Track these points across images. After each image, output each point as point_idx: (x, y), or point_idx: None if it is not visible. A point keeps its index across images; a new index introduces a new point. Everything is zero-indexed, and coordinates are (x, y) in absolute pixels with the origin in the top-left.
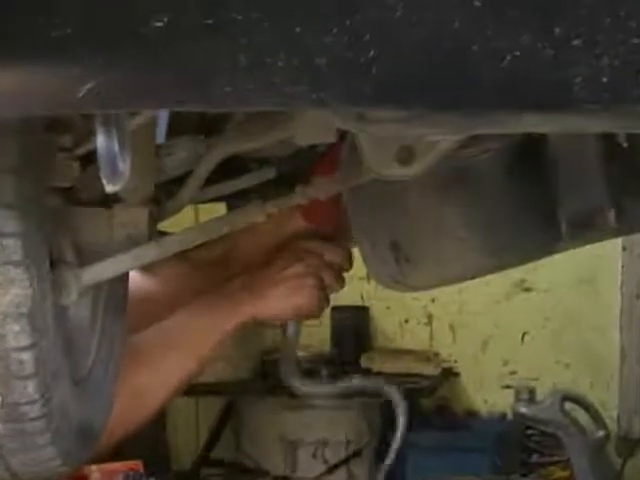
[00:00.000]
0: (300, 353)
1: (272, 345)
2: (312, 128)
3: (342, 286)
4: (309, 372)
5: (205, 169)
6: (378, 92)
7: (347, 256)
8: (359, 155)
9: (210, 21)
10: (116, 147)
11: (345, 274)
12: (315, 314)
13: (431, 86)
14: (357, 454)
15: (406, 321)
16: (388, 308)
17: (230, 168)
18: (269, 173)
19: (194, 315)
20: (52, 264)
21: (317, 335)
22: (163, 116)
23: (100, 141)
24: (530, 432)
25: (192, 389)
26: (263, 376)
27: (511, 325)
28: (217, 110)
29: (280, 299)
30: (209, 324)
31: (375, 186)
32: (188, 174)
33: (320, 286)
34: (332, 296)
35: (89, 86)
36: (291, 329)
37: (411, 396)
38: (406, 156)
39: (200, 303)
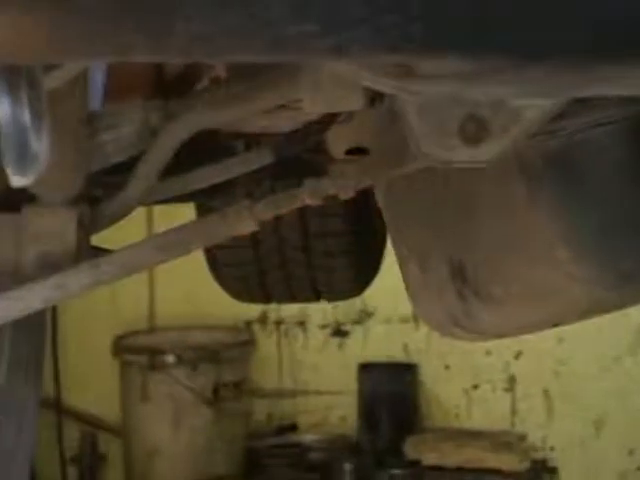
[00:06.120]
0: (310, 437)
1: (261, 424)
2: (328, 89)
3: None
4: (321, 466)
5: (164, 151)
6: (431, 34)
7: None
8: (402, 130)
9: None
10: (27, 118)
11: (380, 313)
12: None
13: (511, 25)
14: None
15: (475, 387)
16: (447, 368)
17: (203, 150)
18: (263, 158)
19: None
20: None
21: (338, 409)
22: (98, 72)
23: (4, 109)
24: None
25: None
26: (250, 472)
27: (638, 394)
28: (181, 61)
29: None
30: None
31: (427, 178)
32: (138, 159)
33: None
34: (358, 347)
35: None
36: None
37: None
38: (475, 131)
39: None
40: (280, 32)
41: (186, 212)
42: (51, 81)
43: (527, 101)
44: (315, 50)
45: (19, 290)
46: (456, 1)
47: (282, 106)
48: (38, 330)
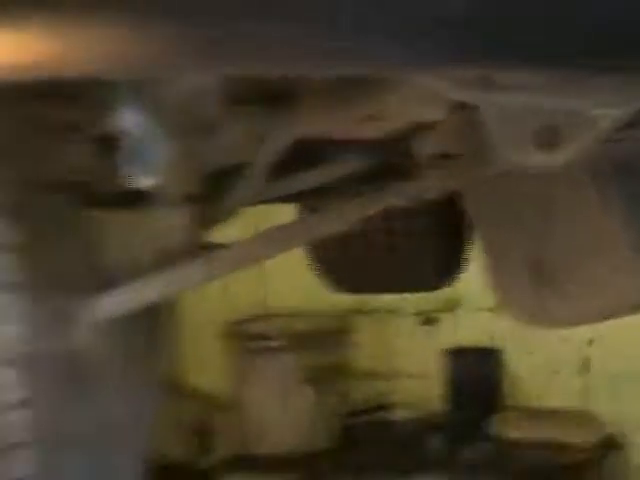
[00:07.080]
0: (401, 413)
1: (360, 402)
2: (414, 100)
3: None
4: (412, 441)
5: (269, 156)
6: (510, 46)
7: None
8: (483, 137)
9: None
10: (151, 126)
11: (466, 303)
12: None
13: (588, 36)
14: None
15: (553, 370)
16: (529, 353)
17: (300, 156)
18: (355, 163)
19: None
20: (56, 290)
21: (426, 388)
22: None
23: (131, 119)
24: None
25: (253, 463)
26: (347, 446)
27: None
28: (285, 74)
29: None
30: None
31: (507, 181)
32: (246, 163)
33: None
34: (448, 334)
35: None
36: None
37: (559, 474)
38: (549, 138)
39: None
40: (364, 47)
41: (275, 212)
42: (173, 93)
43: (599, 110)
44: (399, 64)
45: (139, 283)
46: (533, 20)
47: (371, 115)
48: (160, 316)
